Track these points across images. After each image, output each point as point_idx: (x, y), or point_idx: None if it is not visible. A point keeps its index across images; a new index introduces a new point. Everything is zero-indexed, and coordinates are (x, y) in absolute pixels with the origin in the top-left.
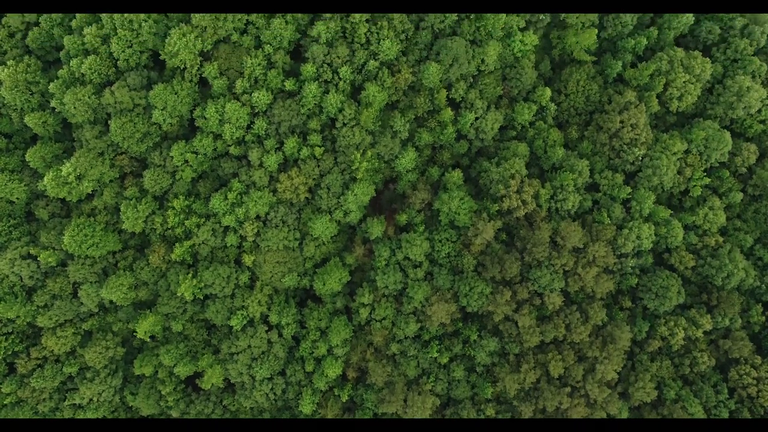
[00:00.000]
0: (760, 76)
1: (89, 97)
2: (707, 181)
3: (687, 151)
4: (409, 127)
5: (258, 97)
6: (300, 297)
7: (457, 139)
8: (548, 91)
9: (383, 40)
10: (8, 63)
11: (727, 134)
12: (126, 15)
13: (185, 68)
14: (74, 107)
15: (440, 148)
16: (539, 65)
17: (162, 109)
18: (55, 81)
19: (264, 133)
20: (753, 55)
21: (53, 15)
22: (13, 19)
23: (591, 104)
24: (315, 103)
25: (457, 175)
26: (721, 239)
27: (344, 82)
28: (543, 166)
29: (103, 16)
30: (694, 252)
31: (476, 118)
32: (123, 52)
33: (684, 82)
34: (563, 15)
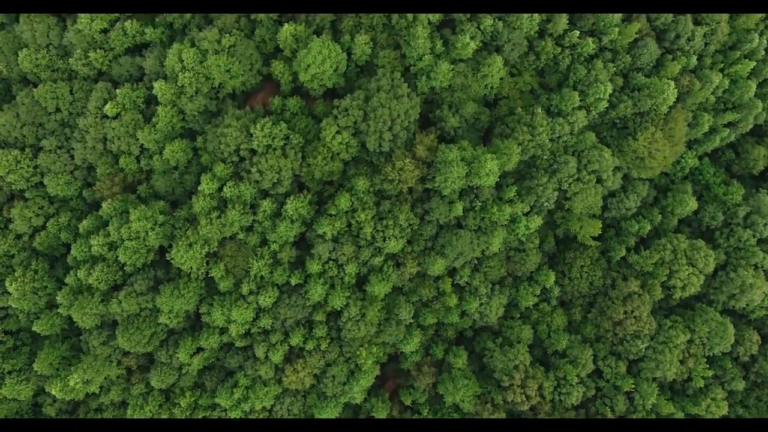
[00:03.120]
0: (763, 267)
1: (96, 307)
2: (709, 373)
3: (690, 341)
4: (413, 307)
5: (264, 299)
6: None
7: (461, 316)
8: (552, 276)
9: (389, 239)
10: (16, 271)
11: (730, 327)
12: (132, 226)
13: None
14: (81, 318)
15: (444, 324)
16: (543, 243)
17: (168, 312)
18: (63, 290)
19: (270, 326)
20: (756, 245)
21: (60, 218)
22: (20, 225)
23: (595, 288)
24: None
25: (461, 361)
26: None
27: (349, 276)
28: (547, 349)
29: (110, 227)
30: None
31: (480, 304)
32: (129, 258)
33: (688, 274)
34: (567, 203)
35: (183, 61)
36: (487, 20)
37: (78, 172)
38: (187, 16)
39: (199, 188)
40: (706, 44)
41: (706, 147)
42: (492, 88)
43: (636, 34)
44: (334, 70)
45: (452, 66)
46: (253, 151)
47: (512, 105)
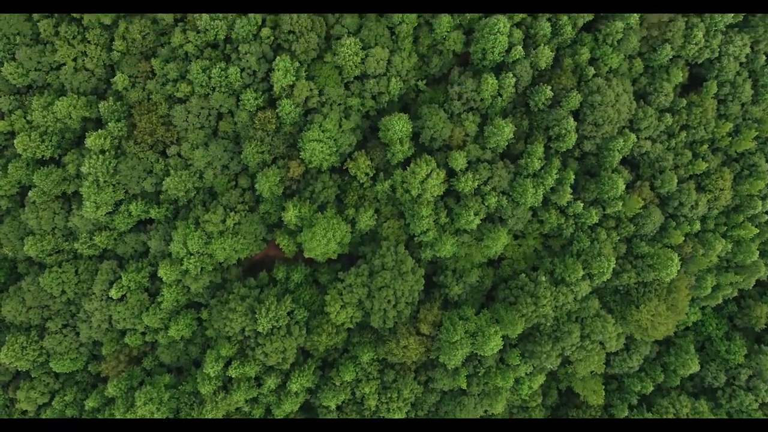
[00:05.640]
0: None
1: None
2: None
3: None
4: None
5: None
6: None
7: None
8: None
9: (392, 410)
10: None
11: None
12: (138, 411)
13: None
14: None
15: None
16: (546, 397)
17: None
18: None
19: None
20: (758, 409)
21: (66, 396)
22: (26, 405)
23: None
24: None
25: None
26: None
27: None
28: None
29: (116, 410)
30: None
31: None
32: None
33: None
34: (570, 368)
35: (188, 246)
36: (492, 198)
37: (83, 348)
38: (191, 193)
39: (203, 370)
40: (709, 208)
41: (709, 303)
42: (496, 253)
43: (639, 209)
44: (338, 243)
45: (456, 238)
46: (259, 332)
47: (516, 266)
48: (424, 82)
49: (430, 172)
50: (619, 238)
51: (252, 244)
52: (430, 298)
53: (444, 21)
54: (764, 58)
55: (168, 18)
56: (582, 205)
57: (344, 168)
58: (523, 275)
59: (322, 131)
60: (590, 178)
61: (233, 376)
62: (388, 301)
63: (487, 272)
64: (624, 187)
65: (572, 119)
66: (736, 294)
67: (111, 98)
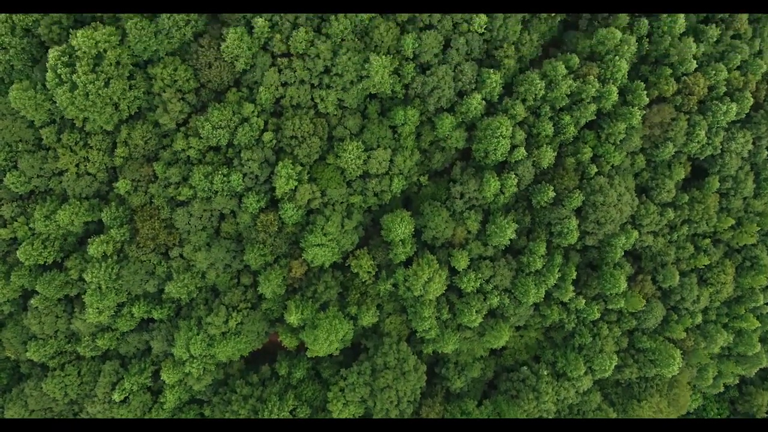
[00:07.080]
0: None
1: None
2: None
3: None
4: None
5: None
6: None
7: None
8: None
9: None
10: None
11: None
12: None
13: None
14: None
15: None
16: None
17: None
18: None
19: None
20: None
21: None
22: None
23: None
24: None
25: None
26: None
27: None
28: None
29: None
30: None
31: None
32: None
33: None
34: None
35: (190, 350)
36: (494, 297)
37: None
38: (194, 294)
39: None
40: (711, 301)
41: (710, 391)
42: (498, 346)
43: (642, 307)
44: (341, 340)
45: (458, 334)
46: None
47: (517, 356)
48: (426, 177)
49: (433, 274)
50: (620, 331)
51: (255, 340)
52: (432, 392)
53: (446, 122)
54: (766, 153)
55: (170, 124)
56: (584, 301)
57: (347, 265)
58: (525, 368)
59: (324, 234)
60: (592, 272)
61: None
62: (391, 402)
63: (488, 362)
64: (626, 283)
65: (574, 218)
66: (737, 381)
67: (113, 203)
